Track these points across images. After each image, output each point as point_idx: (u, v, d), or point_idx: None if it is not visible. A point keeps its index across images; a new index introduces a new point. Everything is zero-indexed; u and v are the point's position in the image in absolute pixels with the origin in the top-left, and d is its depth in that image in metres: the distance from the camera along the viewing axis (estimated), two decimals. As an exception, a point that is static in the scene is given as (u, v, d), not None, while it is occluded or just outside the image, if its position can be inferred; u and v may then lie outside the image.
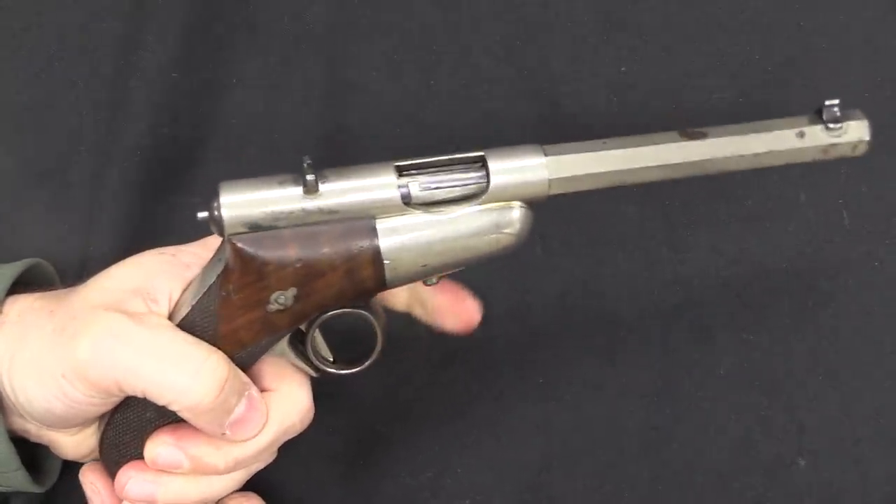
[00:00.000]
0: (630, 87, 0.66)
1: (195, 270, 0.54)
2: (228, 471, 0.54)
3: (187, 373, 0.50)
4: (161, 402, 0.51)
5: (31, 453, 0.58)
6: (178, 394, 0.50)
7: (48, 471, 0.61)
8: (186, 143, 0.66)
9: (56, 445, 0.57)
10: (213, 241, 0.55)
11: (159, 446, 0.53)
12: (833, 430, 0.66)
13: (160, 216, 0.65)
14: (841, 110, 0.52)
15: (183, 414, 0.51)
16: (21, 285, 0.58)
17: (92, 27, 0.65)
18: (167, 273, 0.54)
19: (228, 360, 0.52)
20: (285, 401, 0.54)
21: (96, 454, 0.57)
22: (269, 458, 0.56)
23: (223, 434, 0.52)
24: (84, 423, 0.55)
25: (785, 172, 0.66)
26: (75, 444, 0.57)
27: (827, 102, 0.52)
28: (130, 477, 0.54)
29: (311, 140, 0.66)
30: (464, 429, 0.67)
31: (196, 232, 0.57)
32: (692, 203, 0.66)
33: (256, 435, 0.53)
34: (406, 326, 0.64)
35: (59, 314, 0.53)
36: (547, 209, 0.65)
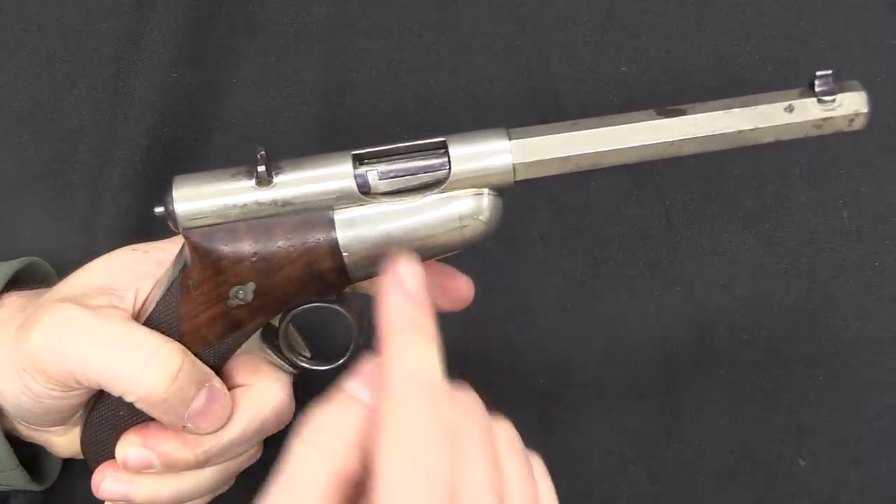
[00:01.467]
0: (630, 87, 0.66)
1: (165, 267, 0.54)
2: (200, 465, 0.53)
3: (138, 362, 0.49)
4: (115, 392, 0.50)
5: (31, 452, 0.58)
6: (129, 383, 0.49)
7: (47, 469, 0.61)
8: (186, 143, 0.66)
9: (49, 445, 0.57)
10: None
11: (128, 447, 0.53)
12: (833, 430, 0.66)
13: (160, 216, 0.65)
14: (835, 81, 0.48)
15: (139, 405, 0.50)
16: (19, 284, 0.58)
17: (92, 27, 0.65)
18: (136, 271, 0.53)
19: (184, 350, 0.51)
20: (259, 396, 0.53)
21: None
22: (249, 454, 0.56)
23: (184, 427, 0.51)
24: (58, 420, 0.55)
25: (785, 172, 0.66)
26: (67, 442, 0.57)
27: (819, 73, 0.48)
28: (105, 476, 0.53)
29: (310, 140, 0.66)
30: (463, 429, 0.67)
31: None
32: (692, 203, 0.66)
33: (220, 427, 0.52)
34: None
35: (28, 310, 0.53)
36: (547, 209, 0.66)
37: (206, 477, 0.54)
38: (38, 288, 0.57)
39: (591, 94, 0.66)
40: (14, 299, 0.56)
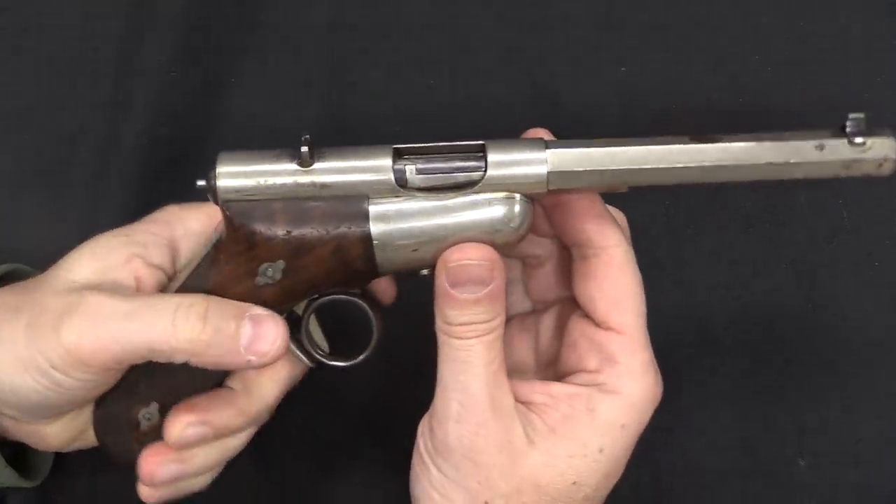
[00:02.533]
0: (630, 87, 0.66)
1: (150, 248, 0.54)
2: (248, 426, 0.54)
3: (166, 321, 0.50)
4: (164, 358, 0.50)
5: (19, 450, 0.58)
6: (171, 342, 0.50)
7: (36, 466, 0.60)
8: (186, 143, 0.66)
9: (38, 437, 0.56)
10: (164, 217, 0.55)
11: (187, 428, 0.53)
12: (833, 430, 0.66)
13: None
14: (867, 125, 0.48)
15: (195, 362, 0.51)
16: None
17: (92, 27, 0.65)
18: (125, 258, 0.53)
19: (204, 295, 0.51)
20: (288, 362, 0.55)
21: (80, 441, 0.56)
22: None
23: (248, 362, 0.51)
24: (65, 411, 0.55)
25: (785, 172, 0.66)
26: (57, 432, 0.56)
27: (852, 115, 0.48)
28: (157, 463, 0.54)
29: (311, 140, 0.66)
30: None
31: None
32: (692, 204, 0.66)
33: (282, 348, 0.51)
34: (405, 327, 0.64)
35: (25, 310, 0.52)
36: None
37: (245, 435, 0.55)
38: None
39: (591, 94, 0.66)
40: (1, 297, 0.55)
